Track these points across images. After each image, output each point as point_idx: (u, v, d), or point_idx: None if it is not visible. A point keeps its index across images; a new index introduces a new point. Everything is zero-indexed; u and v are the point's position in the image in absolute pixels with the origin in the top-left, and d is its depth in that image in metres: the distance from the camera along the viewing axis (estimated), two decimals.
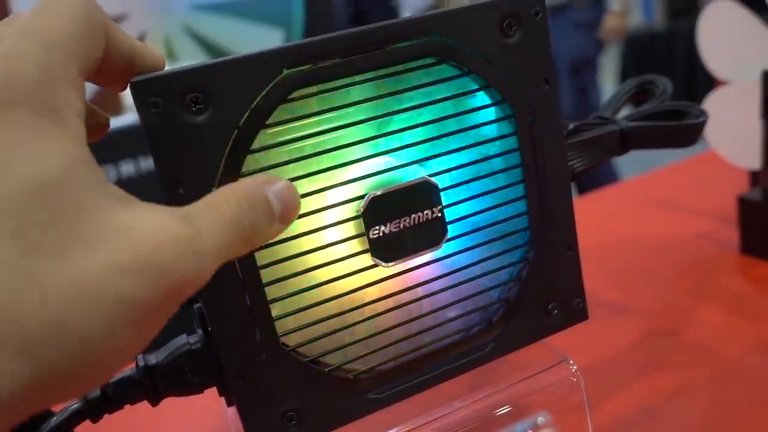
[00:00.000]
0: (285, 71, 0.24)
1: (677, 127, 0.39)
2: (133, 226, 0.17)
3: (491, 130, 0.29)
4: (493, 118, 0.28)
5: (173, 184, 0.23)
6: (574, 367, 0.29)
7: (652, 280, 0.54)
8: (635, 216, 0.66)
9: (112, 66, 0.21)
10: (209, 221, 0.18)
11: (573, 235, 0.31)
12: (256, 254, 0.25)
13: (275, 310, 0.26)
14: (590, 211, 0.71)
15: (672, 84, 0.41)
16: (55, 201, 0.16)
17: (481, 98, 0.28)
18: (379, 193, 0.26)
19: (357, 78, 0.26)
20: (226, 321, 0.25)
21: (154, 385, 0.26)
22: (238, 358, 0.25)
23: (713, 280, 0.52)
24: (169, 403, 0.27)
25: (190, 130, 0.23)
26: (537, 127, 0.29)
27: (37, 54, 0.18)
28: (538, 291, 0.31)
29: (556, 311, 0.31)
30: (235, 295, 0.25)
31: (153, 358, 0.26)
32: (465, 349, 0.30)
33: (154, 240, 0.17)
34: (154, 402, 0.27)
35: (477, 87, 0.28)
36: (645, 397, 0.41)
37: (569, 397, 0.29)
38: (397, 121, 0.27)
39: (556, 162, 0.30)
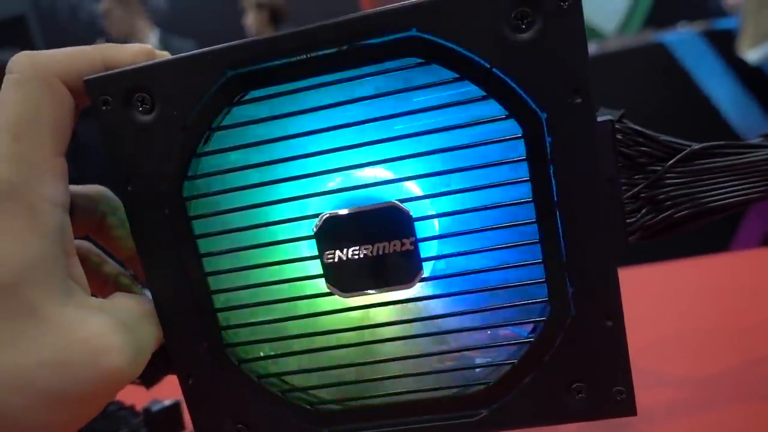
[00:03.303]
0: (229, 72, 0.22)
1: None
2: (74, 329, 0.20)
3: (496, 152, 0.22)
4: (498, 136, 0.22)
5: (123, 181, 0.24)
6: None
7: None
8: None
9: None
10: (141, 333, 0.23)
11: (615, 300, 0.23)
12: (205, 260, 0.24)
13: (225, 320, 0.25)
14: None
15: None
16: (6, 301, 0.19)
17: (489, 108, 0.22)
18: (336, 213, 0.23)
19: (320, 80, 0.22)
20: (174, 322, 0.25)
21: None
22: (186, 359, 0.25)
23: None
24: None
25: (138, 128, 0.23)
26: (560, 153, 0.22)
27: (6, 150, 0.19)
28: (555, 361, 0.24)
29: (581, 394, 0.24)
30: (183, 298, 0.24)
31: None
32: (450, 408, 0.25)
33: (92, 344, 0.20)
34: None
35: (474, 97, 0.22)
36: None
37: None
38: (369, 132, 0.23)
39: (589, 200, 0.22)
